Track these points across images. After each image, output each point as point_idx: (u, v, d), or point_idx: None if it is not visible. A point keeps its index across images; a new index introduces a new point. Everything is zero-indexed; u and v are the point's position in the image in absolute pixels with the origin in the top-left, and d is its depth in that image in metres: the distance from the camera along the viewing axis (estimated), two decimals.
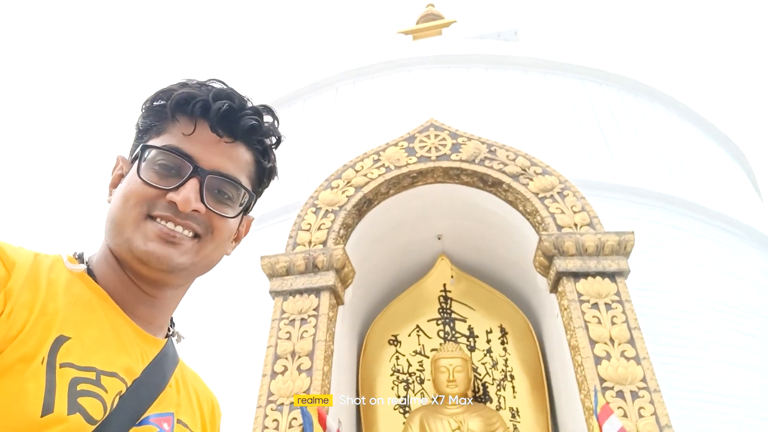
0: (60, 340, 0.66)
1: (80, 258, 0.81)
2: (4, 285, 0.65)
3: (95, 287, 0.77)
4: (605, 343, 5.11)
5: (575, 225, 5.91)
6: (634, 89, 9.27)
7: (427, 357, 6.93)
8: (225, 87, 0.85)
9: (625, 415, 4.68)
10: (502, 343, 6.93)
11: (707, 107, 9.70)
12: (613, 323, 5.23)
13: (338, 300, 5.89)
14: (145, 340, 0.78)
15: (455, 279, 7.22)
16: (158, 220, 0.78)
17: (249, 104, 0.86)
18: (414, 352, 7.05)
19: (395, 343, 7.11)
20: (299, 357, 5.34)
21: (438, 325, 7.20)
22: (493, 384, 6.74)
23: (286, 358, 5.36)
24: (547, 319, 6.27)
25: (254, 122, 0.85)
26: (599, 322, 5.24)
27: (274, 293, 5.80)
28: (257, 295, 6.42)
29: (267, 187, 0.93)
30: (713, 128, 9.64)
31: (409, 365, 6.98)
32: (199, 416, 0.84)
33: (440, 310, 7.27)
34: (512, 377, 6.71)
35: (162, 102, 0.84)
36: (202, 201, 0.79)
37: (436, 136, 6.84)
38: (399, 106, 8.48)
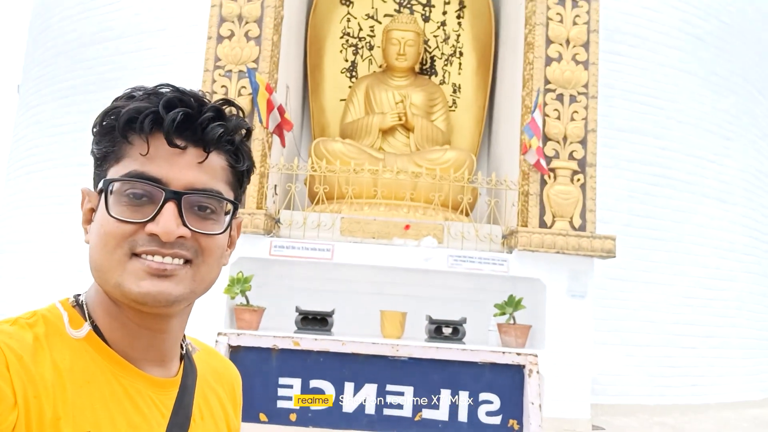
0: None
1: (79, 306, 0.75)
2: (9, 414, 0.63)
3: (104, 351, 0.73)
4: (560, 44, 5.07)
5: None
6: None
7: (380, 22, 6.69)
8: (177, 91, 0.72)
9: (558, 118, 4.99)
10: (458, 17, 6.71)
11: None
12: (574, 23, 5.10)
13: None
14: (162, 389, 0.77)
15: None
16: (144, 255, 0.71)
17: (207, 105, 0.73)
18: (366, 15, 6.76)
19: (347, 3, 6.72)
20: (247, 23, 5.04)
21: None
22: (441, 58, 6.77)
23: (233, 22, 5.05)
24: (509, 2, 5.99)
25: (221, 129, 0.73)
26: (561, 21, 5.09)
27: None
28: None
29: (248, 184, 0.82)
30: None
31: (360, 29, 6.77)
32: (224, 418, 0.88)
33: None
34: (461, 54, 6.72)
35: (110, 124, 0.71)
36: (185, 224, 0.72)
37: None
38: None
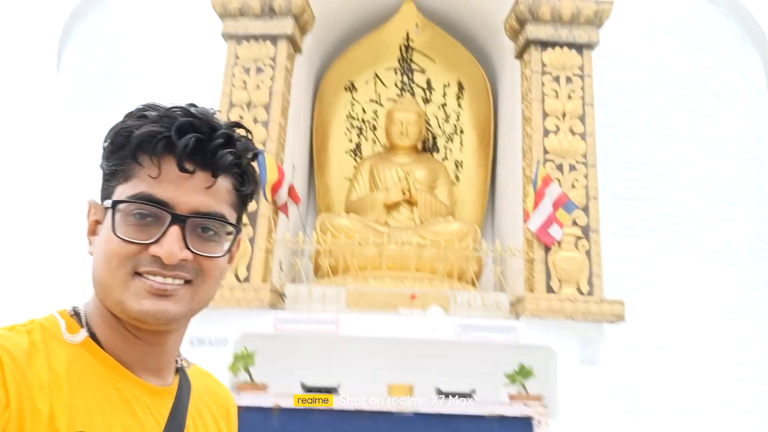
0: None
1: (77, 315, 0.78)
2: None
3: (100, 356, 0.75)
4: (557, 117, 5.26)
5: None
6: None
7: (383, 106, 6.99)
8: (189, 114, 0.75)
9: (559, 186, 5.08)
10: (458, 98, 7.00)
11: None
12: (569, 98, 5.31)
13: (296, 49, 5.62)
14: (158, 397, 0.79)
15: (419, 28, 6.88)
16: (146, 275, 0.74)
17: (218, 130, 0.75)
18: (370, 100, 7.07)
19: (351, 89, 7.06)
20: (255, 107, 5.30)
21: (396, 74, 7.10)
22: (442, 136, 7.00)
23: (242, 107, 5.32)
24: (506, 82, 6.27)
25: (230, 157, 0.76)
26: (556, 96, 5.30)
27: (227, 36, 5.45)
28: (209, 38, 6.01)
29: (251, 202, 0.85)
30: None
31: (364, 112, 7.06)
32: None
33: (400, 60, 7.08)
34: (462, 132, 6.96)
35: (121, 142, 0.75)
36: (188, 247, 0.75)
37: None
38: None
